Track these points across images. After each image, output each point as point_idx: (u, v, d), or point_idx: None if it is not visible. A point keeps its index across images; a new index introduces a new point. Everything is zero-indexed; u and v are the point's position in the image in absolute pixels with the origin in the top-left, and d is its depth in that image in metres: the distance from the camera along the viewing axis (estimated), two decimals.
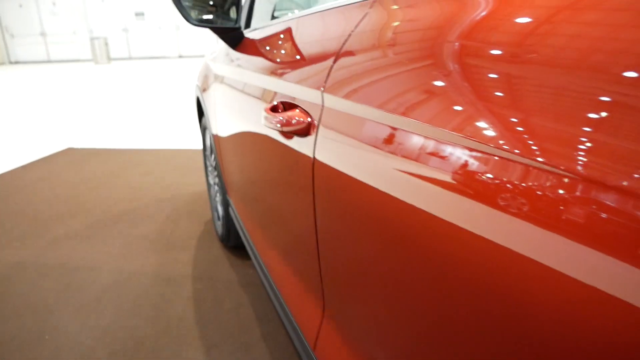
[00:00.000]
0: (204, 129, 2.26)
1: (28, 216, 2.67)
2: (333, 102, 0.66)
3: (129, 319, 1.68)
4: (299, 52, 0.88)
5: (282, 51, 1.00)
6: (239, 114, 1.30)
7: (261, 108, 1.01)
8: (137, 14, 17.58)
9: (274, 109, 0.86)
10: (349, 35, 0.67)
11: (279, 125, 0.79)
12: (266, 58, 1.10)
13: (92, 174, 3.45)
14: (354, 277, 0.65)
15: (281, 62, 0.96)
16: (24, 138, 4.87)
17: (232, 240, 2.09)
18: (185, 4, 1.40)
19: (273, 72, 0.97)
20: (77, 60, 18.41)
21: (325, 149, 0.68)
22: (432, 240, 0.43)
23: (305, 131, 0.74)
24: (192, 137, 4.54)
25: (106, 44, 16.15)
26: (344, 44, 0.68)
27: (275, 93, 0.93)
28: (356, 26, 0.67)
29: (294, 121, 0.76)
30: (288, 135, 0.81)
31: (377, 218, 0.54)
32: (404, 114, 0.49)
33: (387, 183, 0.52)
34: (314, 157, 0.71)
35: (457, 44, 0.46)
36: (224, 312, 1.69)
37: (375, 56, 0.60)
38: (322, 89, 0.69)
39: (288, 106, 0.83)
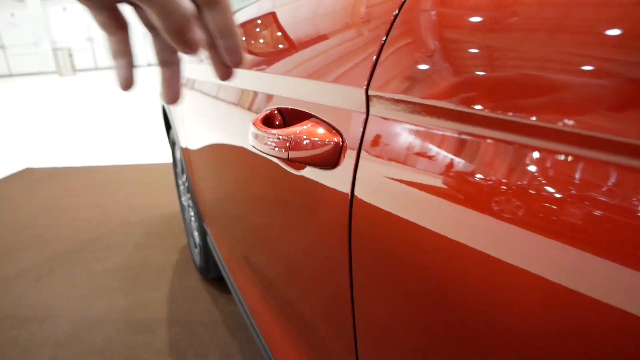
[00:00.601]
0: (172, 143, 1.94)
1: None
2: (392, 107, 0.38)
3: None
4: (308, 32, 0.58)
5: (278, 35, 0.69)
6: (215, 127, 1.00)
7: (247, 119, 0.71)
8: None
9: (267, 122, 0.56)
10: None
11: (279, 149, 0.50)
12: (252, 50, 0.80)
13: (52, 197, 3.08)
14: None
15: (277, 52, 0.66)
16: None
17: (212, 272, 1.78)
18: None
19: (264, 67, 0.68)
20: (40, 73, 17.63)
21: (376, 183, 0.39)
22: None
23: (330, 158, 0.45)
24: (163, 149, 4.19)
25: (70, 55, 15.44)
26: (401, 6, 0.39)
27: (269, 97, 0.63)
28: None
29: (306, 141, 0.46)
30: (297, 165, 0.52)
31: (474, 288, 0.31)
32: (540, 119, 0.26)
33: (499, 245, 0.29)
34: (353, 195, 0.42)
35: None
36: None
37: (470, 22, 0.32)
38: (365, 85, 0.40)
39: (292, 116, 0.53)
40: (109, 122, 6.01)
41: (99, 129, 5.59)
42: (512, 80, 0.29)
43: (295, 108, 0.54)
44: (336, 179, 0.45)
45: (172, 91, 0.36)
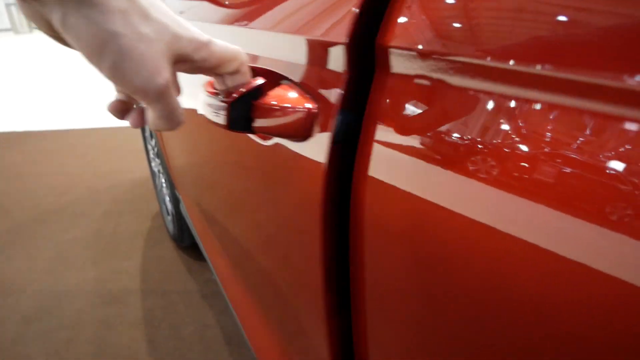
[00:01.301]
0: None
1: None
2: (383, 63, 0.31)
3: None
4: None
5: None
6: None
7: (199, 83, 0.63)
8: None
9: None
10: None
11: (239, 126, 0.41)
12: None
13: (12, 164, 2.91)
14: None
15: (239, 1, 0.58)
16: None
17: (186, 239, 1.72)
18: None
19: (226, 19, 0.60)
20: None
21: (389, 159, 0.33)
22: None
23: (299, 128, 0.37)
24: None
25: None
26: None
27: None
28: None
29: (271, 109, 0.39)
30: (263, 135, 0.45)
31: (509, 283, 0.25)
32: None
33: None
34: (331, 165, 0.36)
35: None
36: (185, 338, 1.35)
37: None
38: (346, 38, 0.33)
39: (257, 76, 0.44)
40: (71, 82, 5.69)
41: (60, 89, 5.29)
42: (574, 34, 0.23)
43: (258, 66, 0.44)
44: (310, 149, 0.38)
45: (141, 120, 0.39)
